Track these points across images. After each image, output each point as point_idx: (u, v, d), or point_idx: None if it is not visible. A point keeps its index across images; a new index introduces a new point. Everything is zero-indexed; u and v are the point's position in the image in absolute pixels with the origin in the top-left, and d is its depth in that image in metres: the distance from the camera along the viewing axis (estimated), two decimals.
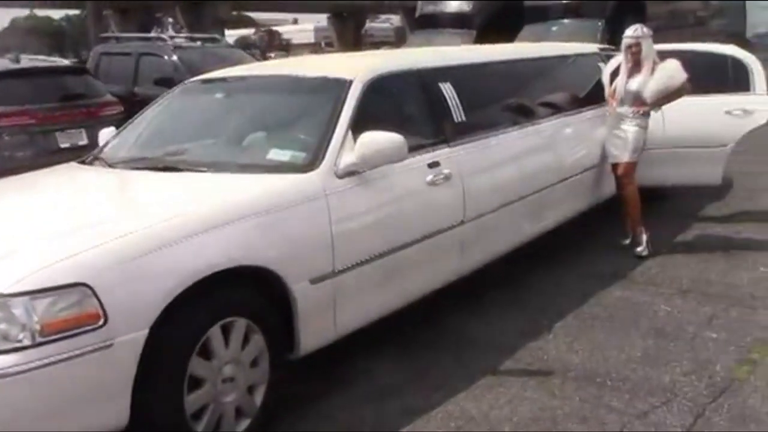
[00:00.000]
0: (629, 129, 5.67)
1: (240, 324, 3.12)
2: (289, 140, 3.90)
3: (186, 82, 4.97)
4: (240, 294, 3.16)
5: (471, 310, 4.66)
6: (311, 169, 3.55)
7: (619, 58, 5.96)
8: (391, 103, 4.29)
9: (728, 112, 6.09)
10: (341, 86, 3.93)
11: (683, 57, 5.74)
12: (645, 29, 5.69)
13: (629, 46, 5.64)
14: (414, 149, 4.01)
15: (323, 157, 3.59)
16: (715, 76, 6.23)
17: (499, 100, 5.24)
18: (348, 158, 3.62)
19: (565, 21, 12.35)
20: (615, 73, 5.87)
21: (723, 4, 15.42)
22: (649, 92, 5.58)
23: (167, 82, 8.59)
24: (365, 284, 3.69)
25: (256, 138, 4.10)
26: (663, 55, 5.70)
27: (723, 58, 6.35)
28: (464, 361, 3.98)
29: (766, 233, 6.16)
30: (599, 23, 11.69)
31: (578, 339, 4.22)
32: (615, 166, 5.82)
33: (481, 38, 12.81)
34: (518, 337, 4.25)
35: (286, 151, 3.76)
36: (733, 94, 6.16)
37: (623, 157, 5.71)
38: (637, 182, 5.82)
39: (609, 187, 6.02)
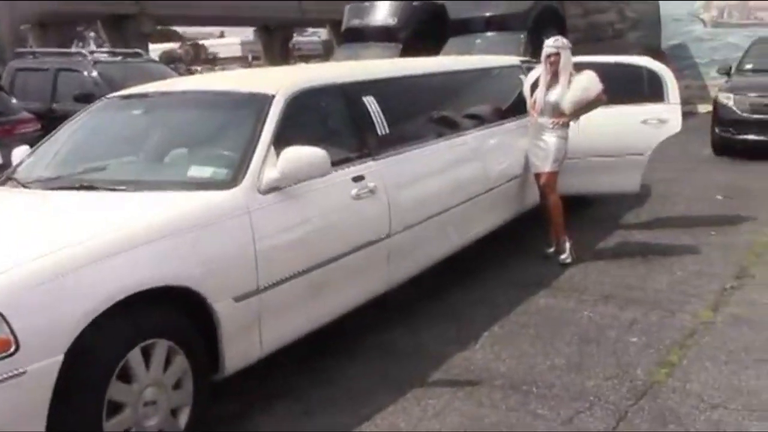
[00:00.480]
0: (550, 139, 5.80)
1: (161, 345, 3.05)
2: (211, 157, 3.85)
3: (105, 97, 4.85)
4: (161, 315, 3.09)
5: (399, 322, 4.67)
6: (233, 186, 3.51)
7: (538, 70, 6.10)
8: (315, 117, 4.28)
9: (644, 122, 6.30)
10: (263, 101, 3.90)
11: (601, 69, 5.90)
12: (565, 41, 5.85)
13: (549, 56, 5.78)
14: (338, 163, 4.04)
15: (245, 173, 3.56)
16: (631, 87, 6.44)
17: (424, 113, 5.29)
18: (271, 174, 3.59)
19: (489, 34, 12.54)
20: (535, 85, 5.99)
21: (639, 18, 15.94)
22: (566, 103, 5.73)
23: (87, 98, 8.38)
24: (291, 300, 3.66)
25: (177, 155, 4.03)
26: (581, 67, 5.84)
27: (639, 70, 6.56)
28: (392, 374, 3.98)
29: (682, 238, 6.37)
30: (521, 36, 11.92)
31: (505, 348, 4.27)
32: (538, 175, 5.94)
33: (407, 51, 12.92)
34: (446, 347, 4.28)
35: (207, 167, 3.71)
36: (648, 104, 6.37)
37: (545, 167, 5.83)
38: (559, 191, 5.95)
39: (533, 197, 6.14)
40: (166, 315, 3.11)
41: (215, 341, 3.29)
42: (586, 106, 5.78)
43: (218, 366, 3.34)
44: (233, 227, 3.38)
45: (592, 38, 13.26)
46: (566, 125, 5.82)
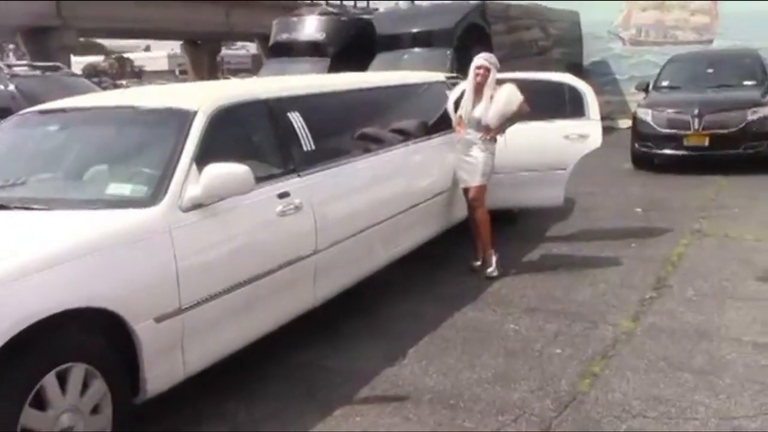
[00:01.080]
0: (478, 154, 5.88)
1: (78, 370, 2.96)
2: (131, 174, 3.76)
3: (22, 112, 4.70)
4: (77, 338, 2.99)
5: (327, 340, 4.64)
6: (153, 204, 3.44)
7: (462, 86, 6.18)
8: (238, 133, 4.23)
9: (566, 137, 6.45)
10: (185, 117, 3.84)
11: (525, 85, 6.02)
12: (495, 59, 5.98)
13: (479, 67, 5.88)
14: (263, 180, 4.00)
15: (166, 191, 3.49)
16: (554, 104, 6.58)
17: (350, 129, 5.29)
18: (192, 191, 3.53)
19: (416, 50, 12.67)
20: (459, 102, 6.07)
21: (562, 35, 16.37)
22: (490, 118, 5.83)
23: (4, 113, 8.08)
24: (216, 319, 3.60)
25: (96, 172, 3.93)
26: (504, 82, 5.96)
27: (560, 87, 6.72)
28: (320, 393, 3.94)
29: (605, 250, 6.53)
30: (447, 52, 12.08)
31: (432, 363, 4.28)
32: (466, 190, 6.01)
33: (335, 66, 12.94)
34: (374, 364, 4.26)
35: (126, 185, 3.63)
36: (570, 120, 6.53)
37: (473, 181, 5.91)
38: (486, 205, 6.03)
39: (460, 211, 6.21)
40: (83, 338, 3.02)
41: (136, 363, 3.21)
42: (510, 119, 5.89)
43: (139, 388, 3.25)
44: (153, 246, 3.31)
45: (517, 55, 13.51)
46: (493, 140, 5.91)
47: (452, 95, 6.33)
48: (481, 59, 5.92)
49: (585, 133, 6.44)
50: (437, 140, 6.10)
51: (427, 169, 5.91)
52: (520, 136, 6.09)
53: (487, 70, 5.85)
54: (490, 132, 5.87)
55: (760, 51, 12.72)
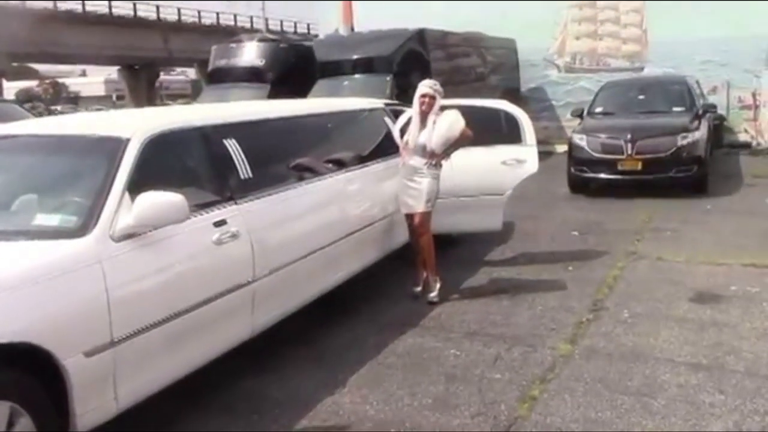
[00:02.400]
0: (423, 180, 5.90)
1: (2, 407, 2.85)
2: (61, 203, 3.67)
3: None
4: (2, 374, 2.88)
5: (268, 369, 4.58)
6: (83, 234, 3.36)
7: (409, 113, 6.22)
8: (173, 161, 4.18)
9: (504, 162, 6.56)
10: (118, 145, 3.77)
11: (463, 112, 6.09)
12: (440, 87, 6.03)
13: (424, 95, 5.92)
14: (199, 208, 3.97)
15: (97, 221, 3.42)
16: (491, 130, 6.69)
17: (288, 156, 5.26)
18: (125, 220, 3.47)
19: (356, 76, 12.76)
20: (406, 127, 6.11)
21: (499, 62, 16.68)
22: (434, 144, 5.87)
23: None
24: (150, 352, 3.52)
25: (24, 202, 3.82)
26: (445, 109, 6.02)
27: (497, 113, 6.85)
28: (260, 424, 3.89)
29: (543, 274, 6.63)
30: (387, 78, 12.20)
31: (373, 390, 4.26)
32: (410, 216, 6.01)
33: (275, 92, 12.93)
34: (314, 393, 4.23)
35: (56, 215, 3.55)
36: (507, 145, 6.64)
37: (418, 207, 5.91)
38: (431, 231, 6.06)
39: (401, 237, 6.22)
40: (7, 375, 2.90)
41: (65, 399, 3.10)
42: (454, 144, 5.93)
43: (69, 425, 3.15)
44: (83, 278, 3.23)
45: (455, 81, 13.70)
46: (438, 165, 5.95)
47: (399, 120, 6.39)
48: (425, 87, 5.97)
49: (522, 158, 6.56)
50: (377, 166, 6.13)
51: (366, 196, 5.92)
52: (460, 162, 6.15)
53: (432, 98, 5.91)
54: (435, 157, 5.92)
55: (687, 78, 13.17)
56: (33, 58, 47.72)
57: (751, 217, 8.82)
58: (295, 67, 13.95)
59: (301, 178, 5.12)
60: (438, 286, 5.94)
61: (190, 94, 51.09)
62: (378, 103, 7.21)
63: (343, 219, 5.45)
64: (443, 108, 5.98)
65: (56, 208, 3.61)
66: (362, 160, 6.07)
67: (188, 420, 3.93)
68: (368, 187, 5.96)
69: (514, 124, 6.71)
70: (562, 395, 4.11)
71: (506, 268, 6.89)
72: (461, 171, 6.30)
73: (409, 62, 12.69)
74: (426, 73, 12.31)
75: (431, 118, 5.90)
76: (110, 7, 42.26)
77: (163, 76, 60.52)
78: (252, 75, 14.12)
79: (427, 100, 5.91)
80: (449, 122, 5.87)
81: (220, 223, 4.06)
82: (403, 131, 6.19)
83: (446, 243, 7.11)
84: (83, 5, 41.15)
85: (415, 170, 5.93)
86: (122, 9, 43.16)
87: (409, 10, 15.72)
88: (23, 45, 35.10)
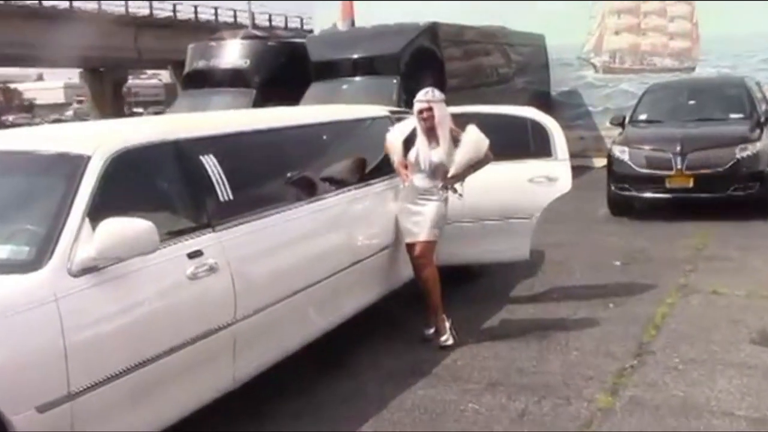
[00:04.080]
0: (428, 203, 5.92)
1: None
2: (9, 232, 3.70)
3: None
4: None
5: (256, 425, 4.59)
6: (37, 267, 3.39)
7: (407, 123, 6.26)
8: (142, 182, 4.22)
9: (532, 180, 6.58)
10: (77, 164, 3.81)
11: (482, 121, 6.14)
12: (437, 92, 6.02)
13: (420, 111, 5.96)
14: (171, 236, 4.00)
15: (52, 252, 3.44)
16: (516, 142, 6.73)
17: (277, 174, 5.30)
18: (85, 252, 3.49)
19: (357, 79, 12.85)
20: (409, 142, 6.11)
21: (526, 62, 16.81)
22: (456, 165, 5.92)
23: None
24: (113, 406, 3.53)
25: None
26: (460, 119, 6.06)
27: (523, 122, 6.88)
28: None
29: (579, 311, 6.62)
30: (393, 81, 12.28)
31: None
32: (411, 246, 6.01)
33: (263, 98, 13.04)
34: None
35: (3, 245, 3.56)
36: (535, 160, 6.67)
37: (422, 234, 5.93)
38: (439, 261, 6.06)
39: (407, 270, 6.22)
40: None
41: None
42: (475, 165, 5.99)
43: None
44: (36, 319, 3.24)
45: (474, 84, 13.80)
46: (451, 188, 6.00)
47: (396, 132, 6.31)
48: (418, 103, 6.00)
49: (553, 175, 6.58)
50: (380, 186, 6.17)
51: (369, 221, 5.95)
52: (478, 180, 6.18)
53: (429, 110, 5.94)
54: (452, 180, 5.98)
55: (746, 79, 13.09)
56: None
57: None
58: (285, 68, 14.06)
59: (291, 201, 5.14)
60: (447, 326, 5.94)
61: (163, 100, 51.45)
62: (382, 110, 7.24)
63: (342, 248, 5.47)
64: (459, 118, 6.02)
65: (4, 238, 3.63)
66: (364, 178, 6.10)
67: None
68: (371, 210, 6.00)
69: (543, 135, 6.74)
70: None
71: (534, 305, 6.89)
72: (481, 190, 6.31)
73: (419, 62, 12.78)
74: (439, 75, 12.45)
75: (442, 130, 5.92)
76: (71, 1, 42.75)
77: (131, 81, 61.06)
78: (235, 78, 14.24)
79: (425, 114, 5.94)
80: (475, 141, 5.94)
81: (195, 255, 4.07)
82: (406, 145, 6.13)
83: (464, 276, 7.12)
84: None
85: (420, 192, 5.96)
86: (86, 3, 43.68)
87: (420, 6, 15.82)
88: None
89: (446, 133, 5.93)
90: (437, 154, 5.92)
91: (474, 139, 5.95)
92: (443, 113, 5.96)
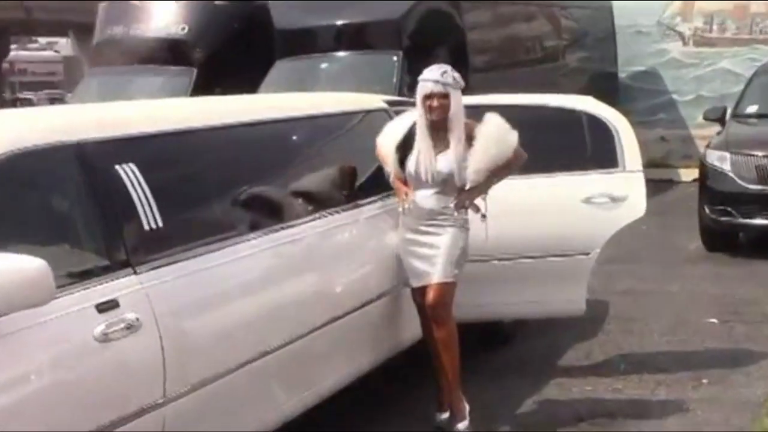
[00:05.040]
0: (443, 230, 5.93)
1: None
2: None
3: None
4: None
5: None
6: None
7: (406, 119, 6.28)
8: (30, 202, 4.24)
9: (589, 201, 6.62)
10: None
11: (519, 116, 6.14)
12: (455, 75, 6.00)
13: (428, 96, 5.92)
14: (73, 281, 4.02)
15: None
16: (567, 145, 6.82)
17: (226, 192, 5.32)
18: None
19: (341, 55, 12.86)
20: (406, 146, 6.11)
21: (583, 30, 16.70)
22: (471, 173, 5.90)
23: None
24: None
25: None
26: (477, 113, 6.08)
27: (576, 117, 6.96)
28: None
29: (657, 391, 6.66)
30: (393, 58, 12.26)
31: None
32: (420, 291, 6.02)
33: (207, 81, 13.04)
34: None
35: None
36: (593, 172, 6.74)
37: (434, 274, 5.91)
38: (456, 316, 6.08)
39: (411, 329, 6.26)
40: None
41: None
42: (499, 171, 5.99)
43: None
44: None
45: (507, 62, 13.83)
46: (472, 207, 6.00)
47: (389, 132, 6.30)
48: (430, 83, 5.92)
49: (619, 193, 6.62)
50: (374, 208, 6.22)
51: (357, 258, 5.99)
52: (511, 200, 6.22)
53: (445, 96, 5.91)
54: (470, 195, 5.99)
55: None
56: None
57: None
58: (239, 39, 14.10)
59: (247, 229, 5.18)
60: (467, 409, 5.96)
61: (62, 81, 51.52)
62: (377, 101, 7.28)
63: (318, 298, 5.49)
64: (475, 112, 6.04)
65: None
66: (351, 197, 6.16)
67: None
68: (361, 243, 6.06)
69: (605, 136, 6.80)
70: None
71: (595, 381, 6.91)
72: (516, 215, 6.36)
73: (430, 31, 12.85)
74: (458, 50, 12.47)
75: (456, 129, 5.88)
76: None
77: (16, 52, 61.07)
78: (168, 52, 14.25)
79: (436, 103, 5.89)
80: (497, 137, 5.93)
81: (108, 307, 4.08)
82: (403, 151, 6.13)
83: (492, 337, 7.14)
84: None
85: (428, 216, 5.96)
86: None
87: None
88: None
89: (460, 131, 5.94)
90: (446, 161, 5.91)
91: (495, 133, 5.96)
92: (459, 106, 5.97)
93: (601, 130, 6.81)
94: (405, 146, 6.12)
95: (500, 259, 6.55)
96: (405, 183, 6.11)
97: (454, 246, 5.97)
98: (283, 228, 5.43)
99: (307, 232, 5.59)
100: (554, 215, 6.64)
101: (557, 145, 6.59)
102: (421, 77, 6.05)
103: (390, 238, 6.17)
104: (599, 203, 6.62)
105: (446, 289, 5.97)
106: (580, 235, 6.66)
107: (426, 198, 6.00)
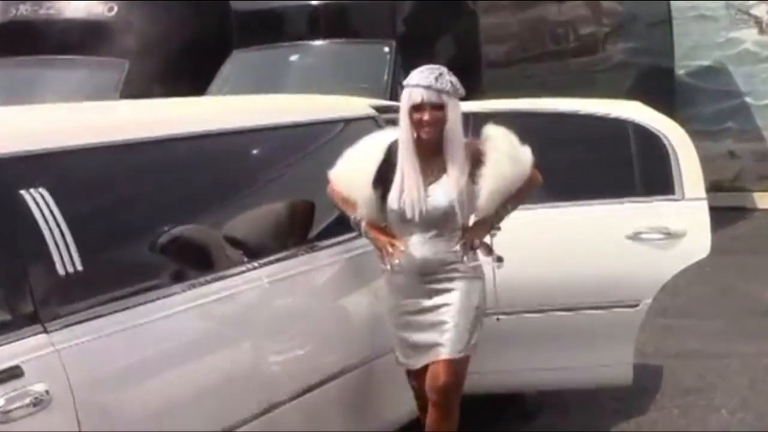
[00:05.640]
0: (448, 287, 5.89)
1: None
2: None
3: None
4: None
5: None
6: None
7: (383, 138, 6.12)
8: None
9: (636, 237, 6.66)
10: None
11: (541, 125, 6.18)
12: (453, 79, 5.82)
13: (418, 108, 5.73)
14: None
15: None
16: (605, 166, 6.87)
17: (154, 226, 5.31)
18: None
19: (317, 45, 12.88)
20: (384, 175, 5.93)
21: (630, 14, 16.69)
22: (485, 201, 5.84)
23: None
24: None
25: None
26: (479, 121, 6.10)
27: (619, 130, 6.98)
28: None
29: None
30: (385, 50, 12.29)
31: None
32: (421, 372, 5.96)
33: (143, 77, 13.07)
34: None
35: None
36: (643, 199, 6.79)
37: (443, 349, 5.83)
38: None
39: (396, 408, 6.31)
40: None
41: None
42: (513, 199, 5.95)
43: None
44: None
45: (532, 55, 13.88)
46: (484, 249, 5.95)
47: (359, 159, 6.08)
48: (419, 90, 5.72)
49: (675, 227, 6.66)
50: (338, 251, 6.20)
51: (318, 318, 5.96)
52: (534, 236, 6.23)
53: (439, 107, 5.73)
54: (479, 231, 5.95)
55: None
56: None
57: None
58: (184, 24, 14.14)
59: (171, 279, 5.18)
60: None
61: None
62: (362, 106, 7.28)
63: (271, 368, 5.53)
64: (481, 121, 6.05)
65: None
66: (315, 236, 6.19)
67: None
68: (323, 299, 6.05)
69: (657, 153, 6.85)
70: None
71: None
72: (540, 255, 6.39)
73: (432, 14, 12.88)
74: (468, 40, 12.53)
75: (454, 149, 5.72)
76: None
77: None
78: (91, 38, 14.27)
79: (427, 115, 5.72)
80: (509, 154, 5.86)
81: (7, 375, 4.08)
82: (380, 186, 5.99)
83: (513, 411, 7.14)
84: None
85: (427, 270, 5.85)
86: None
87: None
88: None
89: (460, 153, 5.82)
90: (443, 192, 5.79)
91: (507, 150, 5.88)
92: (458, 118, 5.85)
93: (651, 145, 6.83)
94: (381, 179, 5.98)
95: (518, 314, 6.55)
96: (384, 231, 6.01)
97: (467, 306, 5.89)
98: (229, 275, 5.41)
99: (247, 283, 5.53)
100: (591, 255, 6.66)
101: (595, 165, 6.60)
102: (407, 82, 5.92)
103: (362, 294, 6.16)
104: (650, 240, 6.65)
105: (460, 367, 5.91)
106: (626, 282, 6.69)
107: (420, 245, 5.87)
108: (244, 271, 5.57)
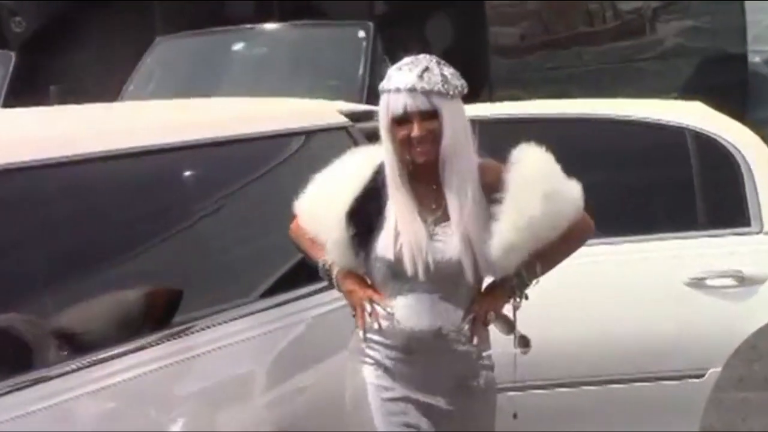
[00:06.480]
0: (449, 408, 5.73)
1: None
2: None
3: None
4: None
5: None
6: None
7: (364, 159, 5.77)
8: None
9: (700, 284, 6.66)
10: None
11: (570, 135, 6.18)
12: (448, 71, 5.47)
13: (401, 122, 5.38)
14: None
15: None
16: (657, 190, 6.79)
17: (56, 278, 5.36)
18: None
19: (270, 27, 12.93)
20: (362, 210, 5.62)
21: None
22: (503, 252, 5.41)
23: None
24: None
25: None
26: (509, 134, 6.04)
27: (675, 141, 7.00)
28: None
29: None
30: (361, 33, 12.28)
31: None
32: None
33: (32, 74, 13.11)
34: None
35: None
36: (706, 234, 6.80)
37: None
38: None
39: None
40: None
41: None
42: (549, 252, 5.62)
43: None
44: None
45: (556, 39, 13.96)
46: (500, 320, 5.69)
47: (333, 189, 5.72)
48: (401, 96, 5.29)
49: (752, 271, 6.68)
50: (304, 306, 6.23)
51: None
52: (566, 283, 6.19)
53: (431, 116, 5.30)
54: (496, 301, 5.64)
55: None
56: None
57: None
58: (92, 5, 14.22)
59: (78, 350, 5.15)
60: None
61: None
62: (330, 111, 7.27)
63: None
64: (496, 129, 5.96)
65: None
66: (276, 289, 6.22)
67: None
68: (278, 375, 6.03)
69: (725, 172, 6.85)
70: None
71: None
72: (572, 310, 6.37)
73: None
74: (471, 19, 12.59)
75: (458, 175, 5.54)
76: None
77: None
78: None
79: (417, 131, 5.28)
80: (542, 190, 5.40)
81: None
82: (359, 222, 5.71)
83: None
84: None
85: (418, 346, 5.64)
86: None
87: None
88: None
89: (466, 176, 5.49)
90: (448, 239, 5.51)
91: (539, 179, 5.49)
92: (463, 127, 5.57)
93: (719, 162, 6.85)
94: (361, 213, 5.65)
95: (552, 385, 6.51)
96: (362, 282, 5.72)
97: (489, 413, 5.73)
98: (139, 347, 5.32)
99: (185, 352, 5.52)
100: (639, 310, 6.63)
101: (643, 190, 6.58)
102: (383, 85, 5.47)
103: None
104: (718, 287, 6.63)
105: None
106: (686, 344, 6.66)
107: (411, 310, 5.54)
108: (168, 340, 5.49)
